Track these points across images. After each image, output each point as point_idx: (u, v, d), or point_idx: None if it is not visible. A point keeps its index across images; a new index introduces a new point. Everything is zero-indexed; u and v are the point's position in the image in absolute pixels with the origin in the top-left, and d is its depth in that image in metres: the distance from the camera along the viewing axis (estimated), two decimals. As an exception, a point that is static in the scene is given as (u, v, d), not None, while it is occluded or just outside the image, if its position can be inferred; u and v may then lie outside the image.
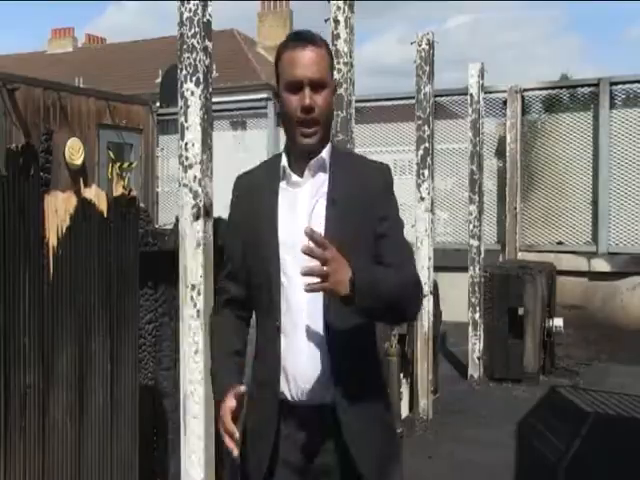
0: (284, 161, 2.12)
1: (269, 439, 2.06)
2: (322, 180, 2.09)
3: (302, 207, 2.08)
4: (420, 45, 6.35)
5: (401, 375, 5.57)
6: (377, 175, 2.14)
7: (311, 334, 2.03)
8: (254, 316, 2.21)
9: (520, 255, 9.47)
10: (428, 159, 6.29)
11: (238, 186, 2.24)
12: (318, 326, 2.03)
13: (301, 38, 2.07)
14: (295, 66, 2.04)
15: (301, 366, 2.04)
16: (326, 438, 2.05)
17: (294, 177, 2.10)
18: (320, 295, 1.96)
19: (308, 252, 1.78)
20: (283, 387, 2.06)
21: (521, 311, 7.38)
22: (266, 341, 2.10)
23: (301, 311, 2.04)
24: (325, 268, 1.78)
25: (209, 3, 3.32)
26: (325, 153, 2.10)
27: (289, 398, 2.06)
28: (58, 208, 2.50)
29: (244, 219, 2.16)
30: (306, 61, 2.04)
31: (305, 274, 1.78)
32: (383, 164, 2.19)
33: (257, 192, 2.15)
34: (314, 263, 1.80)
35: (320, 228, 1.98)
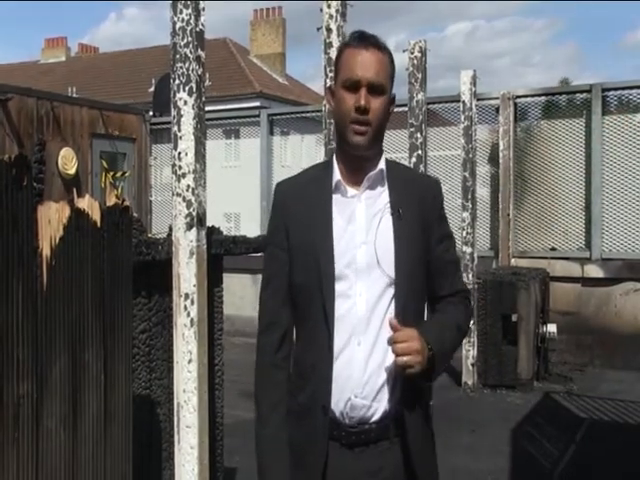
0: (337, 174, 2.05)
1: (318, 460, 1.98)
2: (379, 192, 2.05)
3: (360, 220, 2.02)
4: (412, 53, 6.38)
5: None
6: (432, 189, 2.14)
7: (372, 348, 1.98)
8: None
9: (513, 261, 9.48)
10: (421, 166, 6.31)
11: (282, 193, 2.13)
12: (381, 340, 1.97)
13: (366, 39, 2.02)
14: (356, 65, 1.98)
15: (358, 381, 1.98)
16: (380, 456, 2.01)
17: (350, 190, 2.04)
18: (381, 309, 1.98)
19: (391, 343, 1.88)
20: (334, 405, 1.98)
21: (515, 317, 7.39)
22: (314, 357, 2.01)
23: (362, 326, 1.98)
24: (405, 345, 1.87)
25: (202, 13, 3.34)
26: (382, 164, 2.06)
27: (339, 417, 1.99)
28: (51, 218, 2.49)
29: (293, 230, 2.05)
30: (367, 63, 1.98)
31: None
32: (433, 178, 2.22)
33: (307, 201, 2.06)
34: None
35: (389, 243, 1.99)
